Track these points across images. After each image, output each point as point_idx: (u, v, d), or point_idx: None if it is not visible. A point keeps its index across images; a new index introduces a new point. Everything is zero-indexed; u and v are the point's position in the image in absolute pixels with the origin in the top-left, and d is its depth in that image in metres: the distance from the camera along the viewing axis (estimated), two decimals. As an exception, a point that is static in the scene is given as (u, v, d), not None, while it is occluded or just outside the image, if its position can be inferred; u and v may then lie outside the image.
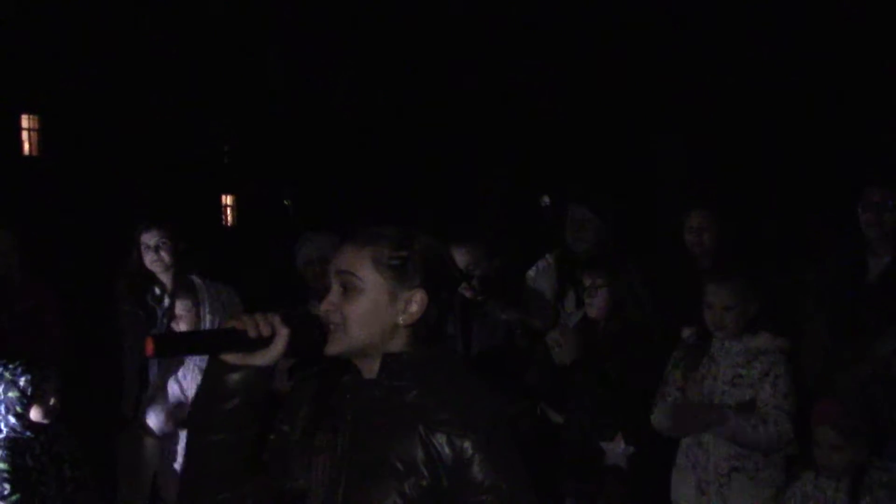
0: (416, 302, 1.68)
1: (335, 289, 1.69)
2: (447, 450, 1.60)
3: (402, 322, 1.69)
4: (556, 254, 4.04)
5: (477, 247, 3.67)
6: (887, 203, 3.48)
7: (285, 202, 13.84)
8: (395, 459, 1.62)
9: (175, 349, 1.74)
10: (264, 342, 1.62)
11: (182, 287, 3.92)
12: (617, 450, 3.22)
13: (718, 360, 3.16)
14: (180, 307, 3.89)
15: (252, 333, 1.60)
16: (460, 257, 3.64)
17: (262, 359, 1.63)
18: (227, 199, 14.67)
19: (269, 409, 1.73)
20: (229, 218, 14.72)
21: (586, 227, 3.96)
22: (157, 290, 4.01)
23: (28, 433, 3.29)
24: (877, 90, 6.43)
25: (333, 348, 1.67)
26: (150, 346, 1.55)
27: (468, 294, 3.63)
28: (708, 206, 3.91)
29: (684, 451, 3.18)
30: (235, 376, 1.63)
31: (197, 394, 1.72)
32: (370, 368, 1.71)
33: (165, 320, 3.94)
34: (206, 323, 3.89)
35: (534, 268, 4.08)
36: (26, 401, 3.30)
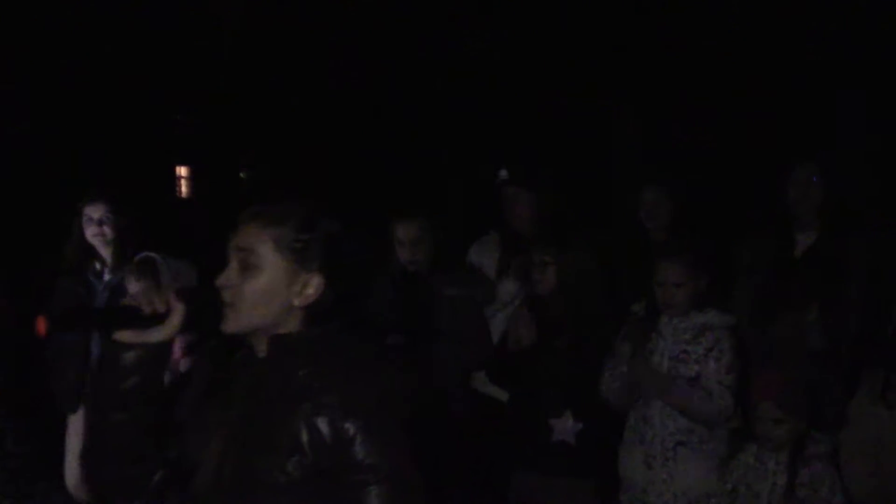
0: (313, 285, 1.69)
1: (233, 265, 1.69)
2: (329, 430, 1.62)
3: (297, 304, 1.69)
4: (500, 231, 4.06)
5: (423, 221, 3.67)
6: (812, 179, 3.57)
7: (241, 174, 13.67)
8: (280, 437, 1.64)
9: (68, 327, 1.72)
10: (159, 318, 1.62)
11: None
12: (565, 426, 3.25)
13: (666, 335, 3.21)
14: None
15: (146, 310, 1.61)
16: (406, 231, 3.64)
17: (157, 335, 1.63)
18: (182, 171, 14.43)
19: (170, 384, 1.73)
20: (184, 189, 14.50)
21: (520, 204, 3.99)
22: (98, 265, 3.94)
23: None
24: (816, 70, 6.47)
25: (228, 327, 1.68)
26: (41, 325, 1.52)
27: (411, 268, 3.64)
28: (661, 181, 3.96)
29: (631, 427, 3.23)
30: (131, 355, 1.63)
31: (93, 373, 1.72)
32: (262, 347, 1.73)
33: (106, 294, 3.86)
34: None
35: (476, 244, 4.10)
36: None
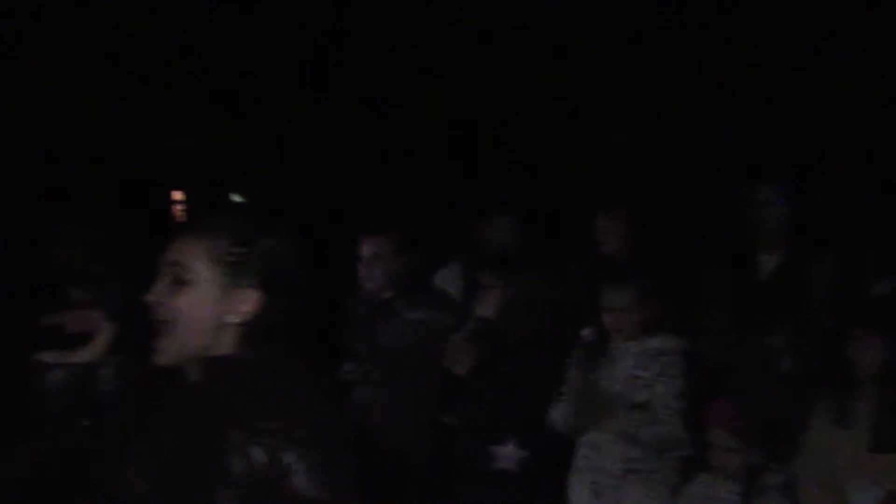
0: (248, 301, 1.59)
1: (164, 280, 1.59)
2: (265, 460, 1.50)
3: (231, 321, 1.59)
4: (464, 255, 3.94)
5: (387, 239, 3.54)
6: (775, 199, 3.46)
7: (234, 198, 13.63)
8: (211, 468, 1.52)
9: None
10: (84, 338, 1.55)
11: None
12: (508, 454, 3.12)
13: (616, 360, 3.09)
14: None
15: (70, 329, 1.56)
16: (368, 247, 3.52)
17: (82, 356, 1.57)
18: (177, 195, 14.43)
19: (95, 408, 1.64)
20: (178, 214, 14.48)
21: (500, 225, 3.88)
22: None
23: None
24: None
25: (163, 357, 1.58)
26: None
27: (373, 286, 3.52)
28: (615, 207, 3.87)
29: (580, 454, 3.10)
30: (56, 375, 1.56)
31: (29, 395, 1.61)
32: (194, 370, 1.61)
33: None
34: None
35: (440, 272, 3.99)
36: None
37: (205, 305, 1.57)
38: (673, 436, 2.96)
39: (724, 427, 2.85)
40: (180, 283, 1.57)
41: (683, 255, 3.98)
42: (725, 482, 2.86)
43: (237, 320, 1.58)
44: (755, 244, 3.53)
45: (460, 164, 6.46)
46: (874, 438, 2.71)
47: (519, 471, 3.11)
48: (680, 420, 2.96)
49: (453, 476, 3.22)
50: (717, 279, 3.51)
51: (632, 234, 3.77)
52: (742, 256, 3.53)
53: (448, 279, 3.93)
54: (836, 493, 2.78)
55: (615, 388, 3.04)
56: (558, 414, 3.11)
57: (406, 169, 6.71)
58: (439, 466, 3.29)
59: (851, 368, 2.78)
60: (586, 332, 3.18)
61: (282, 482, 1.49)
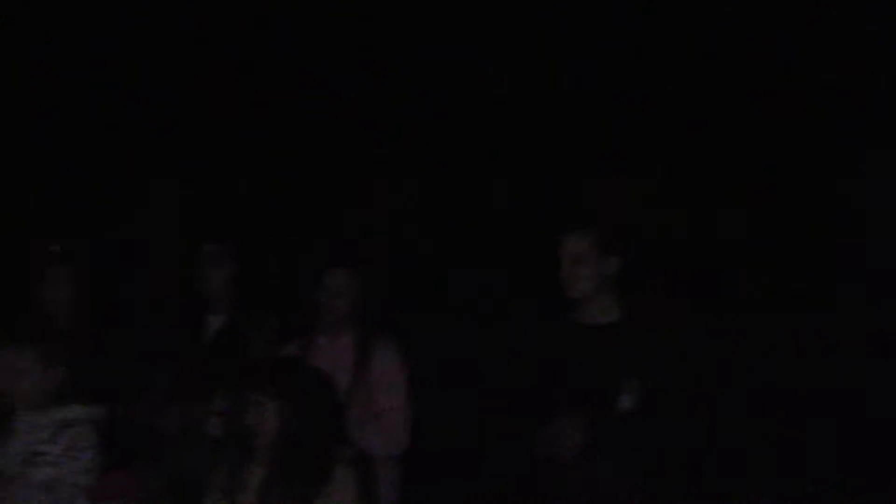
0: None
1: None
2: None
3: None
4: None
5: None
6: (218, 259, 3.50)
7: None
8: None
9: None
10: None
11: None
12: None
13: (21, 435, 2.91)
14: None
15: None
16: None
17: None
18: None
19: None
20: None
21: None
22: None
23: None
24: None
25: None
26: None
27: None
28: (63, 262, 3.67)
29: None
30: None
31: None
32: None
33: None
34: None
35: None
36: None
37: None
38: None
39: (118, 499, 2.81)
40: None
41: (131, 315, 3.90)
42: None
43: None
44: (207, 304, 3.54)
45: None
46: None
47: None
48: (85, 497, 2.86)
49: None
50: (164, 341, 3.47)
51: (79, 289, 3.57)
52: (192, 317, 3.52)
53: None
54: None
55: (14, 467, 2.87)
56: None
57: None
58: None
59: (247, 436, 2.79)
60: None
61: None
